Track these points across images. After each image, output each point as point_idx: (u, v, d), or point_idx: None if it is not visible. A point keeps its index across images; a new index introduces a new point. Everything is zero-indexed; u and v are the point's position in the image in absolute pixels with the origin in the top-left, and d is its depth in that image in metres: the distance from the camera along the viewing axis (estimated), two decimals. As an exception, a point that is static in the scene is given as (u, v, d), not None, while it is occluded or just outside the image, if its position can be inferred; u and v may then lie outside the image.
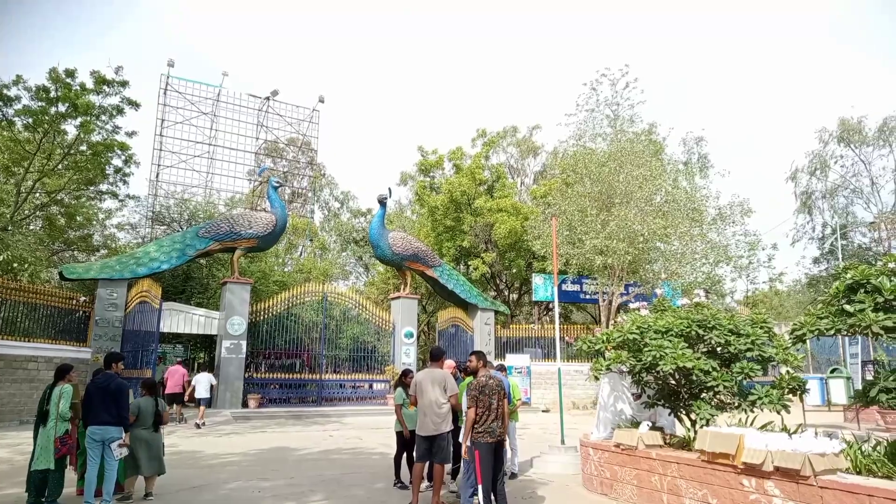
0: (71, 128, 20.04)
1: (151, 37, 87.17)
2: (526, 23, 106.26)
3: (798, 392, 6.54)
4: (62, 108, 18.86)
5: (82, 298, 17.14)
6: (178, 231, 24.10)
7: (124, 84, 19.76)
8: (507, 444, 6.49)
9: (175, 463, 9.17)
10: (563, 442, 9.51)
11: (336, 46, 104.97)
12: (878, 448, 5.55)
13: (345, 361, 21.68)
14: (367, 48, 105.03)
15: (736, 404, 6.67)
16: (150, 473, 7.03)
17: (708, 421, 6.50)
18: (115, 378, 6.72)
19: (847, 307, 5.74)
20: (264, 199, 30.29)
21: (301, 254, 37.37)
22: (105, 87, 19.47)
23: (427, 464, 6.98)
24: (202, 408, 15.56)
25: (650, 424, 7.07)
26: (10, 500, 6.90)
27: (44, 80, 18.71)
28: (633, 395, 7.75)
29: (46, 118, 18.79)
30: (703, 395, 6.78)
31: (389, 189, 21.10)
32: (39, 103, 18.73)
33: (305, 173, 40.85)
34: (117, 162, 21.60)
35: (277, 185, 20.13)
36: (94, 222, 26.29)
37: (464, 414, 6.64)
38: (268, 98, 37.64)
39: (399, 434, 7.80)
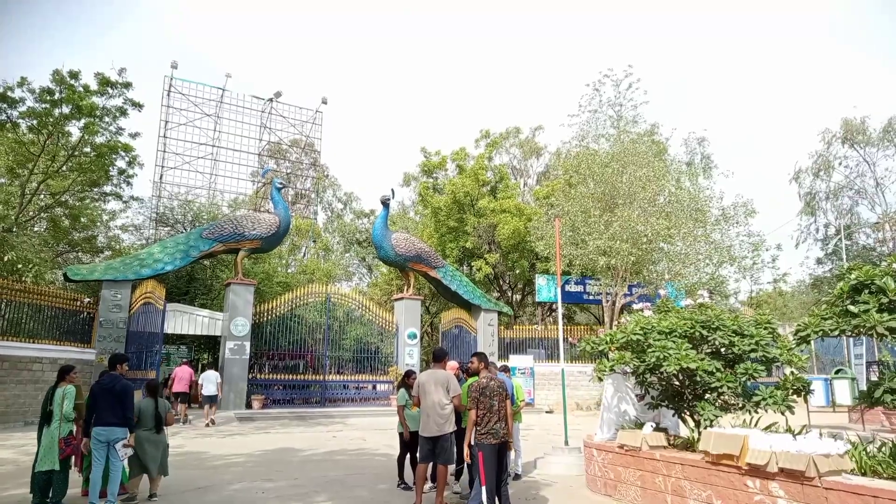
0: (75, 129, 20.11)
1: (154, 38, 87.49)
2: (529, 23, 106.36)
3: (802, 393, 6.53)
4: (66, 109, 18.92)
5: (86, 300, 17.20)
6: (182, 232, 24.15)
7: (127, 85, 19.82)
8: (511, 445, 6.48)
9: (179, 464, 9.19)
10: (566, 443, 9.50)
11: (339, 48, 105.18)
12: (883, 449, 5.53)
13: (348, 362, 21.70)
14: (371, 49, 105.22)
15: (740, 405, 6.66)
16: (152, 474, 7.04)
17: (712, 422, 6.49)
18: (121, 379, 6.75)
19: (851, 308, 5.73)
20: (268, 201, 30.33)
21: (304, 255, 37.43)
22: (108, 89, 19.54)
23: (431, 465, 6.98)
24: (214, 406, 15.76)
25: (654, 425, 7.06)
26: (15, 500, 6.92)
27: (47, 82, 18.82)
28: (636, 396, 7.75)
29: (50, 120, 18.86)
30: (707, 395, 6.77)
31: (392, 190, 21.13)
32: (43, 105, 18.80)
33: (309, 174, 40.87)
34: (121, 163, 21.67)
35: (281, 186, 20.16)
36: (98, 224, 26.38)
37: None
38: (271, 99, 37.67)
39: (401, 435, 7.82)
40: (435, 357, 7.06)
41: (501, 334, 23.20)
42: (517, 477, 8.25)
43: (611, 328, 18.22)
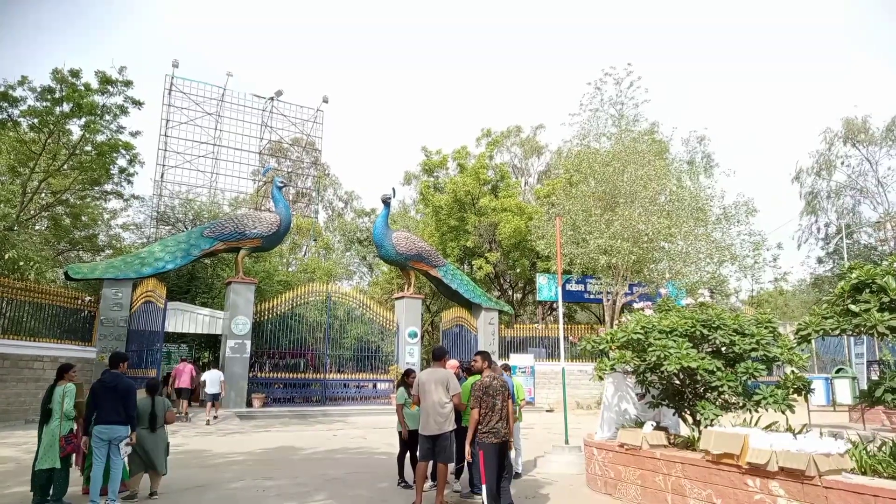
0: (76, 128, 20.13)
1: (155, 37, 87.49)
2: (530, 22, 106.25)
3: (803, 392, 6.52)
4: (67, 108, 18.93)
5: (87, 298, 17.22)
6: (183, 231, 24.17)
7: (128, 84, 19.83)
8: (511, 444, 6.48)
9: (180, 462, 9.20)
10: (567, 442, 9.50)
11: (340, 46, 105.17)
12: (883, 448, 5.52)
13: (349, 361, 21.70)
14: (372, 48, 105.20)
15: (740, 404, 6.65)
16: (150, 472, 7.05)
17: (712, 421, 6.48)
18: (123, 378, 6.76)
19: (852, 307, 5.73)
20: (268, 199, 30.36)
21: (305, 254, 37.43)
22: (109, 87, 19.55)
23: (431, 463, 6.98)
24: (217, 404, 15.99)
25: (654, 424, 7.06)
26: (16, 498, 6.93)
27: (48, 81, 18.83)
28: (637, 395, 7.75)
29: (51, 118, 18.87)
30: (708, 395, 6.77)
31: (393, 189, 21.13)
32: (44, 104, 18.81)
33: (309, 173, 40.89)
34: (122, 162, 21.70)
35: (282, 185, 20.16)
36: (100, 222, 26.41)
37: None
38: (272, 98, 37.69)
39: (401, 434, 7.83)
40: (435, 356, 7.06)
41: (502, 333, 23.20)
42: (517, 476, 8.25)
43: (611, 327, 18.20)
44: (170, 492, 7.31)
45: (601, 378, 7.56)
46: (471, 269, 29.05)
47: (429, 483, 7.29)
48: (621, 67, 22.35)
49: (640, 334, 6.96)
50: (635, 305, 8.38)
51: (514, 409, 7.06)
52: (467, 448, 6.02)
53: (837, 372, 18.06)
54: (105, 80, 19.43)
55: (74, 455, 6.87)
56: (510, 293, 32.51)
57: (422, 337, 21.88)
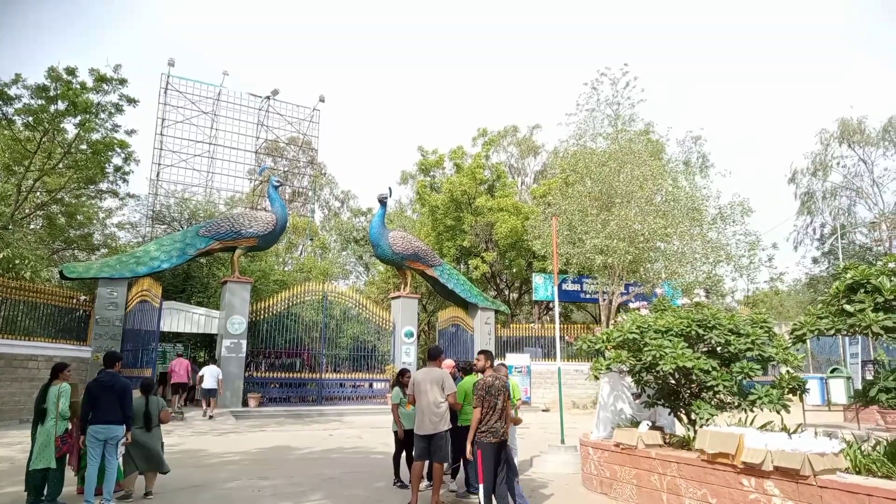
0: (71, 126, 20.06)
1: (151, 36, 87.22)
2: (527, 21, 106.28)
3: (798, 392, 6.54)
4: (62, 106, 18.86)
5: (83, 297, 17.16)
6: (179, 230, 24.11)
7: (123, 82, 19.76)
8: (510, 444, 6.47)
9: (175, 462, 9.17)
10: (562, 441, 9.51)
11: (336, 46, 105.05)
12: (877, 448, 5.55)
13: (345, 361, 21.69)
14: (368, 47, 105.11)
15: (736, 404, 6.67)
16: (145, 472, 7.03)
17: (708, 420, 6.50)
18: (120, 377, 6.75)
19: (847, 307, 5.75)
20: (265, 199, 30.29)
21: (301, 253, 37.40)
22: (104, 85, 19.48)
23: (427, 463, 6.98)
24: (213, 400, 16.19)
25: (650, 424, 7.07)
26: (10, 499, 6.91)
27: (43, 80, 18.75)
28: (632, 394, 7.76)
29: (46, 116, 18.80)
30: (703, 394, 6.78)
31: (390, 188, 21.11)
32: (39, 102, 18.74)
33: (306, 172, 40.86)
34: (117, 160, 21.61)
35: (278, 184, 20.12)
36: (95, 221, 26.31)
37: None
38: (268, 97, 37.64)
39: (397, 434, 7.82)
40: (430, 355, 7.06)
41: (498, 333, 23.21)
42: (513, 475, 8.25)
43: (607, 327, 18.23)
44: (165, 491, 7.30)
45: (597, 378, 7.57)
46: (467, 269, 29.06)
47: (425, 483, 7.28)
48: (617, 68, 22.44)
49: (636, 334, 6.97)
50: (631, 305, 8.36)
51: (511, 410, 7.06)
52: (468, 447, 6.01)
53: (832, 372, 18.08)
54: (100, 79, 19.38)
55: (69, 455, 6.85)
56: (506, 293, 32.53)
57: (418, 336, 21.87)
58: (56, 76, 18.68)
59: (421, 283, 26.40)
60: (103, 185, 23.09)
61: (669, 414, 7.45)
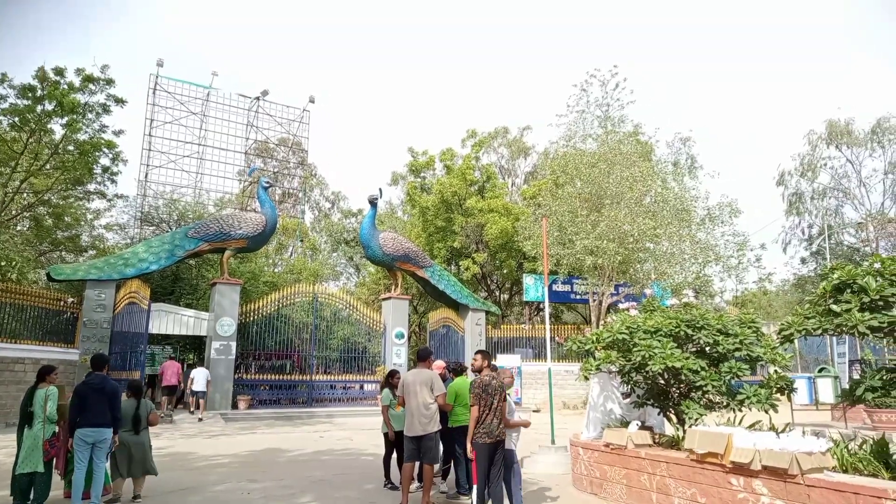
0: (58, 127, 19.89)
1: (140, 37, 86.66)
2: (520, 22, 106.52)
3: (786, 391, 6.59)
4: (49, 106, 18.70)
5: (70, 300, 17.02)
6: (168, 231, 23.96)
7: (110, 82, 19.62)
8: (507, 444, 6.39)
9: (164, 465, 9.11)
10: (553, 442, 9.53)
11: (326, 46, 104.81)
12: (864, 446, 5.59)
13: (335, 362, 21.62)
14: (358, 48, 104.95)
15: (724, 404, 6.71)
16: (134, 476, 6.98)
17: (697, 420, 6.53)
18: (109, 380, 6.71)
19: (834, 307, 5.79)
20: (254, 200, 30.16)
21: (291, 254, 37.25)
22: (91, 86, 19.34)
23: (417, 464, 6.97)
24: (202, 401, 16.36)
25: (640, 424, 7.10)
26: (-4, 503, 6.84)
27: (28, 80, 18.58)
28: (622, 394, 7.79)
29: (33, 117, 18.63)
30: (692, 394, 6.82)
31: (380, 189, 21.09)
32: (25, 102, 18.57)
33: (296, 173, 40.69)
34: (105, 161, 21.44)
35: (267, 185, 20.04)
36: (83, 223, 26.11)
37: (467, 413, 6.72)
38: (258, 98, 37.46)
39: (386, 435, 7.81)
40: (419, 356, 7.05)
41: (489, 334, 23.23)
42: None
43: (597, 327, 18.28)
44: (153, 494, 7.25)
45: (587, 378, 7.58)
46: (458, 270, 29.06)
47: (415, 484, 7.27)
48: (606, 69, 22.48)
49: (626, 334, 7.00)
50: (621, 306, 8.38)
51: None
52: (468, 446, 5.99)
53: (820, 371, 18.22)
54: (87, 79, 19.23)
55: (56, 459, 6.79)
56: (497, 294, 32.55)
57: (409, 338, 21.85)
58: (43, 76, 18.52)
59: (412, 284, 26.37)
60: (91, 186, 22.90)
61: (659, 414, 7.48)
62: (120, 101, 20.04)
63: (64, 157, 20.21)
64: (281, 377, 20.09)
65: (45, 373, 6.74)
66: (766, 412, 6.43)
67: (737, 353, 6.64)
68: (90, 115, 19.84)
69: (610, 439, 7.10)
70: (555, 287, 25.06)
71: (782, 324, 6.37)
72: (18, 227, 23.36)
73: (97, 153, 20.74)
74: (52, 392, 6.62)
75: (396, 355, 20.75)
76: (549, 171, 24.93)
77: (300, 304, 20.76)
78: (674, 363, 6.39)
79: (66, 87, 18.74)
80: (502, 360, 21.00)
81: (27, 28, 73.31)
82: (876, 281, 5.62)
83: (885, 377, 5.72)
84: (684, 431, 6.67)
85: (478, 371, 6.34)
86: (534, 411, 20.52)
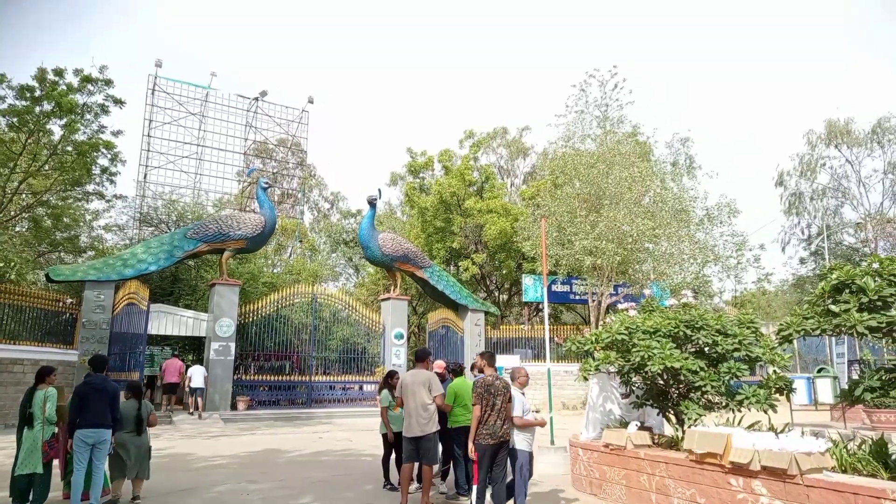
0: (56, 128, 19.87)
1: (139, 37, 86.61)
2: (519, 22, 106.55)
3: (785, 391, 6.59)
4: (47, 107, 18.68)
5: (69, 300, 17.00)
6: (166, 232, 23.95)
7: (108, 83, 19.59)
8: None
9: (163, 466, 9.11)
10: (552, 442, 9.52)
11: (325, 47, 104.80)
12: (863, 447, 5.60)
13: (335, 363, 21.62)
14: (357, 49, 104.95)
15: (724, 404, 6.71)
16: (135, 476, 6.98)
17: (696, 421, 6.53)
18: (110, 381, 6.72)
19: (832, 307, 5.80)
20: (253, 200, 30.14)
21: (290, 255, 37.24)
22: (89, 86, 19.31)
23: (416, 465, 6.97)
24: (200, 400, 16.62)
25: (639, 424, 7.10)
26: (-5, 504, 6.83)
27: (28, 80, 18.56)
28: (621, 395, 7.79)
29: (31, 118, 18.61)
30: (691, 394, 6.82)
31: (379, 190, 21.09)
32: (24, 102, 18.55)
33: (295, 174, 40.71)
34: (103, 161, 21.40)
35: (266, 186, 20.03)
36: (81, 224, 26.07)
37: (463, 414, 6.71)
38: (256, 99, 37.49)
39: (385, 436, 7.81)
40: (417, 357, 7.05)
41: (488, 334, 23.22)
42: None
43: (596, 328, 18.27)
44: (152, 496, 7.24)
45: (586, 379, 7.58)
46: (457, 271, 29.05)
47: (414, 485, 7.27)
48: (606, 69, 22.50)
49: (625, 335, 7.00)
50: (620, 306, 8.39)
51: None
52: (470, 445, 5.99)
53: (819, 371, 18.24)
54: (85, 79, 19.20)
55: (57, 460, 6.79)
56: (496, 294, 32.55)
57: (408, 338, 21.85)
58: (42, 77, 18.51)
59: (411, 284, 26.36)
60: (90, 187, 22.88)
61: (658, 414, 7.48)
62: (119, 102, 20.02)
63: (62, 157, 20.19)
64: (280, 378, 20.08)
65: (45, 374, 6.73)
66: (766, 412, 6.44)
67: (736, 354, 6.64)
68: (89, 116, 19.80)
69: (609, 440, 7.10)
70: (554, 287, 25.06)
71: (781, 324, 6.38)
72: (17, 228, 23.33)
73: (96, 154, 20.71)
74: (50, 393, 6.61)
75: (396, 356, 20.75)
76: (547, 172, 24.94)
77: (299, 304, 20.76)
78: (673, 364, 6.39)
79: (64, 87, 18.71)
80: (501, 361, 20.99)
81: (27, 28, 73.35)
82: (874, 281, 5.63)
83: (883, 377, 5.73)
84: (683, 432, 6.67)
85: (481, 371, 6.34)
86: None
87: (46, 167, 20.59)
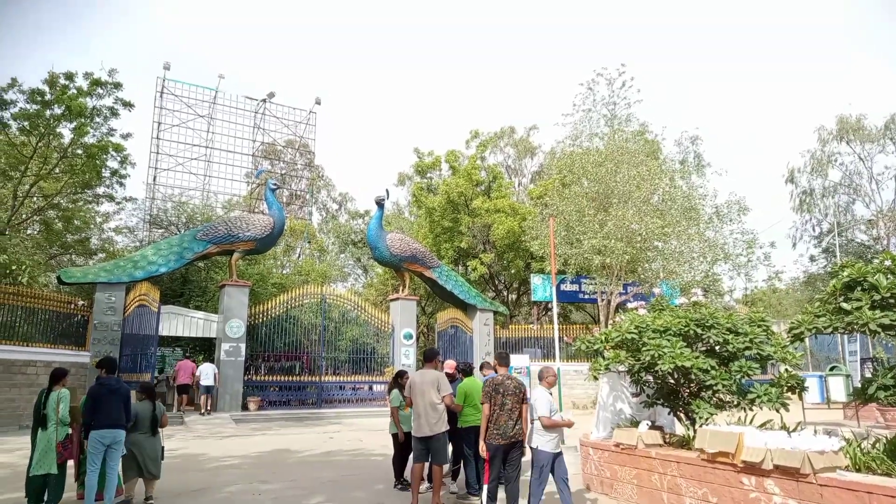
0: (67, 131, 20.02)
1: (141, 38, 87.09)
2: (525, 22, 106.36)
3: (797, 390, 6.55)
4: (57, 110, 18.83)
5: (80, 302, 17.12)
6: (176, 234, 24.08)
7: (118, 86, 19.72)
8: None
9: (175, 466, 9.17)
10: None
11: (332, 48, 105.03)
12: (877, 445, 5.56)
13: (344, 363, 21.68)
14: (364, 49, 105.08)
15: (735, 403, 6.68)
16: (149, 476, 7.02)
17: (707, 420, 6.51)
18: (122, 382, 6.80)
19: (844, 305, 5.76)
20: (262, 202, 30.29)
21: (299, 256, 37.36)
22: (98, 89, 19.44)
23: (427, 464, 6.98)
24: (210, 398, 16.90)
25: (650, 424, 7.08)
26: (10, 505, 6.90)
27: (39, 83, 18.73)
28: (632, 394, 7.76)
29: (42, 121, 18.76)
30: (703, 393, 6.79)
31: (387, 190, 21.12)
32: (35, 106, 18.71)
33: (303, 175, 40.81)
34: (113, 164, 21.55)
35: (275, 187, 20.11)
36: (92, 226, 26.26)
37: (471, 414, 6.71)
38: (264, 100, 37.61)
39: (395, 436, 7.82)
40: (426, 357, 7.06)
41: (497, 334, 23.21)
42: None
43: (606, 327, 18.24)
44: (165, 496, 7.29)
45: (596, 378, 7.57)
46: (465, 271, 29.05)
47: (425, 485, 7.28)
48: (613, 68, 22.43)
49: (634, 334, 6.98)
50: (629, 305, 8.37)
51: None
52: (482, 444, 5.99)
53: (831, 369, 18.11)
54: (95, 83, 19.34)
55: (72, 461, 6.85)
56: (505, 294, 32.53)
57: (417, 338, 21.88)
58: (53, 80, 18.66)
59: (419, 284, 26.39)
60: (100, 190, 23.05)
61: (669, 413, 7.45)
62: (128, 105, 20.15)
63: (73, 160, 20.35)
64: (290, 378, 20.16)
65: (59, 376, 6.80)
66: (777, 411, 6.40)
67: (747, 352, 6.61)
68: (98, 119, 19.95)
69: (620, 439, 7.09)
70: (563, 287, 25.00)
71: (792, 322, 6.34)
72: (29, 231, 23.53)
73: (105, 156, 20.85)
74: (63, 394, 6.68)
75: (405, 356, 20.78)
76: (555, 171, 24.88)
77: (308, 305, 20.82)
78: (683, 362, 6.37)
79: (74, 91, 18.85)
80: (511, 361, 20.97)
81: (27, 28, 73.80)
82: (887, 278, 5.58)
83: (897, 375, 5.68)
84: (695, 431, 6.65)
85: (494, 370, 6.36)
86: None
87: (57, 170, 20.76)
